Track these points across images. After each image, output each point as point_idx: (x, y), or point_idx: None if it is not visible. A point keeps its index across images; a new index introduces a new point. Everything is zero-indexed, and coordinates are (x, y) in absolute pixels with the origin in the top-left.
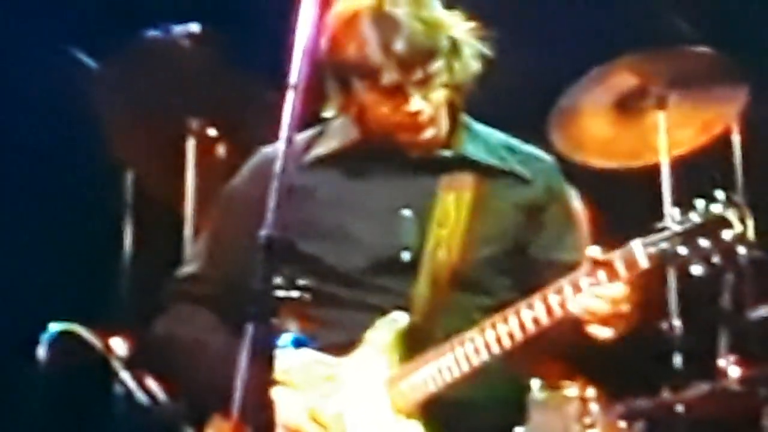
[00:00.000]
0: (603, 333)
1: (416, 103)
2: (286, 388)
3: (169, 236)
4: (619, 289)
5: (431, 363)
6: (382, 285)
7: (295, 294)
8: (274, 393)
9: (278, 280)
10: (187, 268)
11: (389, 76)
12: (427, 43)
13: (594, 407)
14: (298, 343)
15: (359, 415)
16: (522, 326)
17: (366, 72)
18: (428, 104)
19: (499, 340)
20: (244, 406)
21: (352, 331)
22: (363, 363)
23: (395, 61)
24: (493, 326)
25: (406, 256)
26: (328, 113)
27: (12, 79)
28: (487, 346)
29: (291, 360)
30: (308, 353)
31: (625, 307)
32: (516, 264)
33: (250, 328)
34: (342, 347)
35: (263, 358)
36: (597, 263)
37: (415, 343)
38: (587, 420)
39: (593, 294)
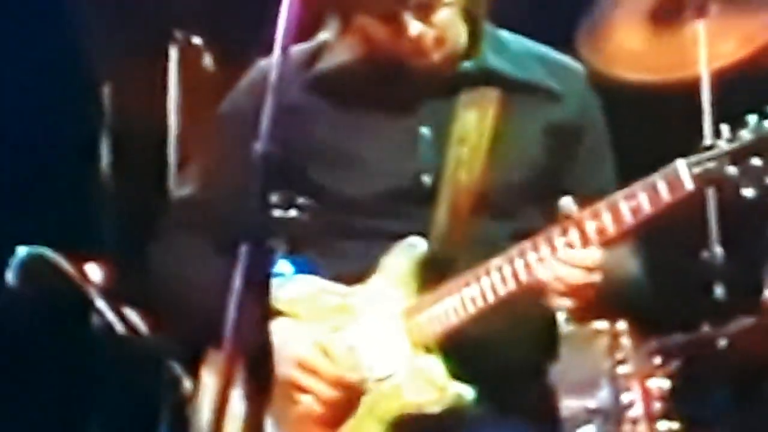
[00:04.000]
0: (564, 304)
1: (415, 28)
2: (293, 319)
3: (151, 154)
4: (594, 255)
5: (454, 293)
6: (399, 211)
7: (293, 213)
8: (279, 325)
9: (275, 199)
10: (182, 192)
11: (382, 4)
12: None
13: (626, 342)
14: (301, 270)
15: (373, 349)
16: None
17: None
18: (431, 27)
19: (528, 268)
20: (237, 336)
21: (365, 260)
22: (377, 292)
23: None
24: (522, 254)
25: (426, 179)
26: (325, 36)
27: None
28: (515, 276)
29: (297, 289)
30: (316, 281)
31: (596, 276)
32: (546, 194)
33: (243, 251)
34: (354, 276)
35: (259, 284)
36: (571, 221)
37: (434, 272)
38: (618, 356)
39: (565, 260)
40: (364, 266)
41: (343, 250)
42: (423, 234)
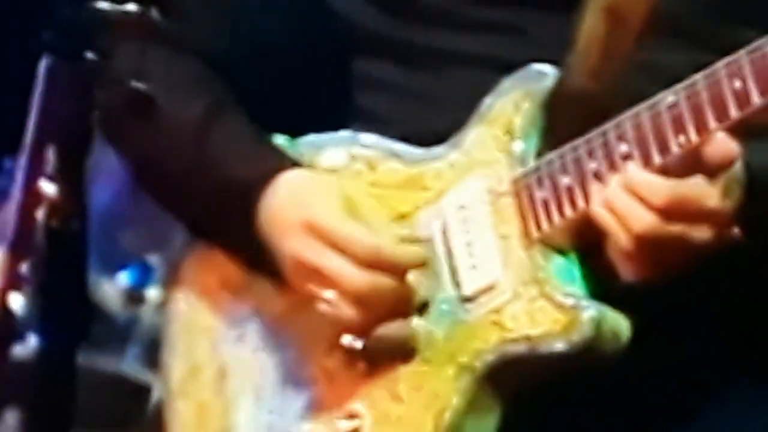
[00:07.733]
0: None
1: None
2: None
3: None
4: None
5: (602, 155)
6: (510, 21)
7: (131, 8)
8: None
9: None
10: None
11: None
12: None
13: None
14: None
15: (463, 248)
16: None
17: None
18: None
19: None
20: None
21: (451, 102)
22: (475, 155)
23: None
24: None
25: None
26: None
27: None
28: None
29: (341, 153)
30: (375, 141)
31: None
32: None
33: (41, 69)
34: (430, 131)
35: (67, 127)
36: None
37: (572, 119)
38: None
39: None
40: (449, 114)
41: (403, 88)
42: (553, 59)
